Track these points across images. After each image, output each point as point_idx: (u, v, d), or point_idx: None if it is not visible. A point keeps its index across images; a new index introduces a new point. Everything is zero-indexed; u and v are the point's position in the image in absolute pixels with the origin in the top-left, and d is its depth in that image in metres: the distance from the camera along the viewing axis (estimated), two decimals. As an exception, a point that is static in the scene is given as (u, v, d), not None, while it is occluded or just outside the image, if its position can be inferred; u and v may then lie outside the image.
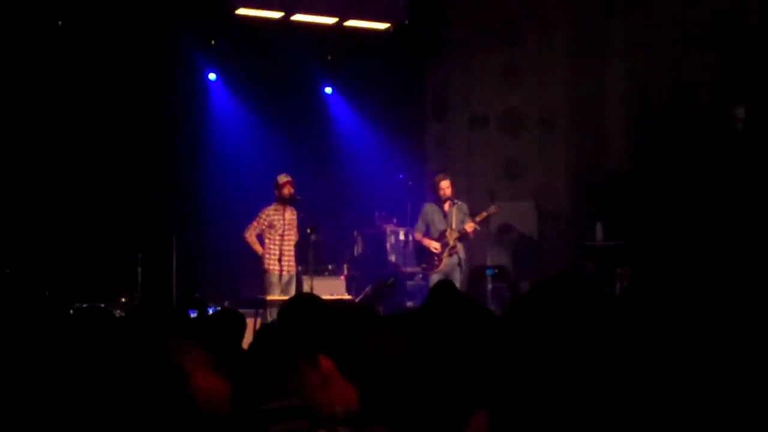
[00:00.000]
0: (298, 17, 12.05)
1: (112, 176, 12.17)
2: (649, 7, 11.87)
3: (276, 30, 12.30)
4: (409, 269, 11.85)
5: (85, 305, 10.13)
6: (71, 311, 9.68)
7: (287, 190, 10.42)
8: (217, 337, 4.68)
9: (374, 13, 12.32)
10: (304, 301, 4.23)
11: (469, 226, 10.39)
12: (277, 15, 11.97)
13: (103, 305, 9.87)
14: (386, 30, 12.55)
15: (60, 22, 11.73)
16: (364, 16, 12.31)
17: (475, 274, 10.46)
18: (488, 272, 10.27)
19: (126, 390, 2.77)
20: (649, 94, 11.85)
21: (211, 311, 9.56)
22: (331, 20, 12.24)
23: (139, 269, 11.12)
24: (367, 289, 11.30)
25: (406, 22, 12.39)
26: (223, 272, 12.37)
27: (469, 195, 12.13)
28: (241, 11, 11.76)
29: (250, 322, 5.90)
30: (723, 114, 9.96)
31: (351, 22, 12.32)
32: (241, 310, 6.10)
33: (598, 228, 11.41)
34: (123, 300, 10.92)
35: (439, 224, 10.54)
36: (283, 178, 10.48)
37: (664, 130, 11.44)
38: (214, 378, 2.91)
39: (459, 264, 10.45)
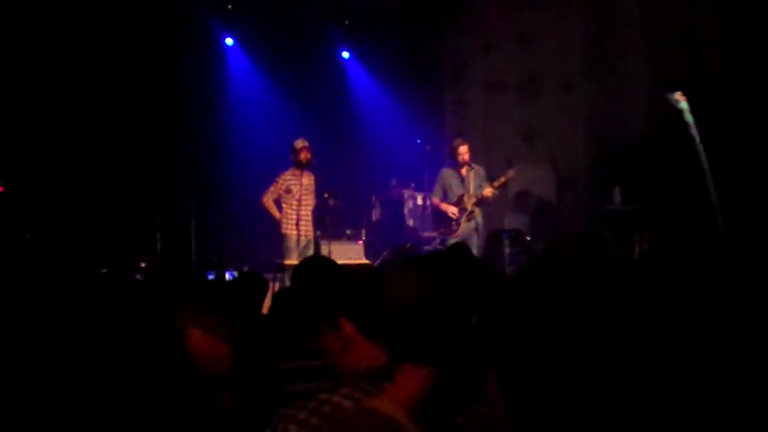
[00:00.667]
0: None
1: (130, 142, 12.21)
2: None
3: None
4: (426, 234, 11.86)
5: (105, 270, 10.21)
6: (91, 275, 9.76)
7: (304, 155, 10.41)
8: (239, 300, 4.73)
9: None
10: (316, 264, 4.25)
11: (488, 191, 10.37)
12: None
13: (123, 269, 9.95)
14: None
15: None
16: None
17: (491, 237, 10.44)
18: (504, 235, 10.26)
19: (126, 350, 2.81)
20: (669, 53, 11.74)
21: (228, 275, 9.61)
22: None
23: (159, 234, 11.18)
24: (385, 253, 11.31)
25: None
26: (242, 237, 12.42)
27: (487, 160, 12.10)
28: None
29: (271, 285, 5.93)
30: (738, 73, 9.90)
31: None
32: (265, 275, 6.13)
33: (617, 192, 11.36)
34: (143, 265, 10.99)
35: (456, 189, 10.52)
36: (300, 143, 10.47)
37: (685, 92, 11.34)
38: (213, 339, 2.93)
39: (476, 229, 10.45)
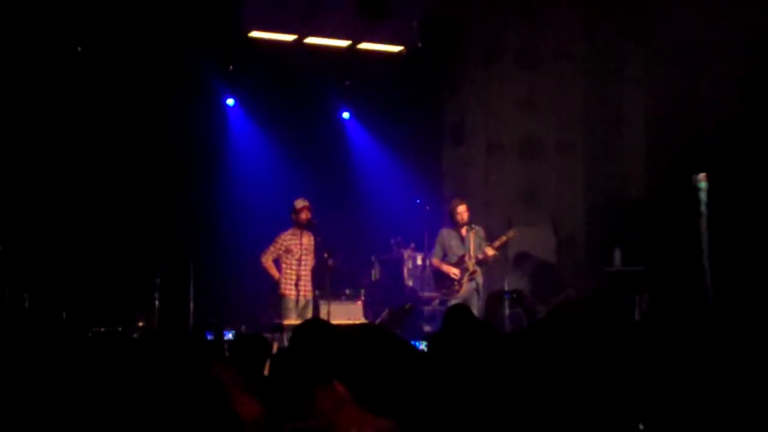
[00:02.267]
0: (311, 40, 12.13)
1: (129, 201, 12.22)
2: (665, 32, 11.87)
3: (293, 55, 12.38)
4: (426, 294, 11.83)
5: (103, 329, 10.15)
6: (89, 335, 9.72)
7: (304, 215, 10.40)
8: (242, 361, 4.70)
9: (387, 36, 12.40)
10: (314, 327, 4.22)
11: (489, 251, 10.35)
12: (290, 38, 12.06)
13: (120, 329, 9.90)
14: (399, 53, 12.60)
15: (79, 48, 11.81)
16: (377, 39, 12.40)
17: (492, 298, 10.40)
18: (506, 296, 10.22)
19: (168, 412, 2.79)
20: (667, 118, 11.82)
21: (227, 335, 9.55)
22: (344, 43, 12.32)
23: (157, 294, 11.14)
24: (384, 313, 11.25)
25: (420, 45, 12.43)
26: (240, 297, 12.37)
27: (487, 220, 12.10)
28: (255, 34, 11.87)
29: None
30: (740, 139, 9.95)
31: (364, 45, 12.38)
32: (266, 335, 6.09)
33: (617, 253, 11.36)
34: (140, 324, 10.94)
35: (456, 249, 10.50)
36: (300, 203, 10.46)
37: (683, 155, 11.40)
38: (252, 400, 2.92)
39: (477, 289, 10.41)
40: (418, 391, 2.96)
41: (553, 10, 12.95)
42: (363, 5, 11.84)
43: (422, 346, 9.02)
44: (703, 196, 7.66)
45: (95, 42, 11.90)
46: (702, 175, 7.69)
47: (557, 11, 12.95)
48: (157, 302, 11.16)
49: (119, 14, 11.50)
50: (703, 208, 7.58)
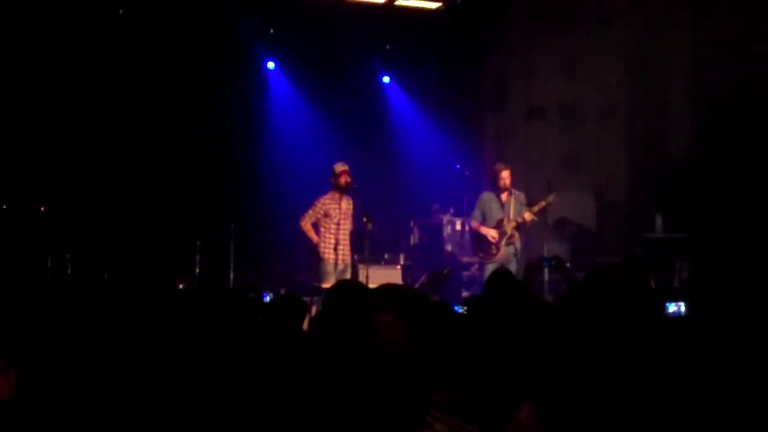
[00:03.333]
0: None
1: (172, 164, 12.30)
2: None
3: (334, 18, 12.34)
4: (465, 259, 11.80)
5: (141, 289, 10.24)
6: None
7: (344, 179, 10.38)
8: (279, 321, 4.72)
9: None
10: (347, 288, 4.21)
11: (527, 215, 10.29)
12: None
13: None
14: (437, 9, 12.49)
15: (121, 11, 11.85)
16: None
17: (531, 265, 10.36)
18: (545, 263, 10.17)
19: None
20: (714, 81, 11.63)
21: (265, 297, 9.60)
22: None
23: (197, 256, 11.20)
24: (423, 278, 11.26)
25: (458, 1, 12.30)
26: (280, 260, 12.43)
27: (528, 186, 12.02)
28: None
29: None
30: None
31: (401, 1, 12.29)
32: (305, 299, 6.10)
33: (658, 219, 11.24)
34: (180, 286, 11.02)
35: (496, 213, 10.45)
36: (340, 167, 10.44)
37: (729, 120, 11.23)
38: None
39: (515, 254, 10.36)
40: (457, 352, 2.95)
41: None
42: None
43: (462, 310, 9.02)
44: None
45: (137, 5, 11.93)
46: None
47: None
48: (197, 264, 11.23)
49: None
50: None
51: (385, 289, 4.09)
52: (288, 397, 3.25)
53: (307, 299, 9.31)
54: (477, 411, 2.62)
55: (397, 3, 12.32)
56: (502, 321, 4.31)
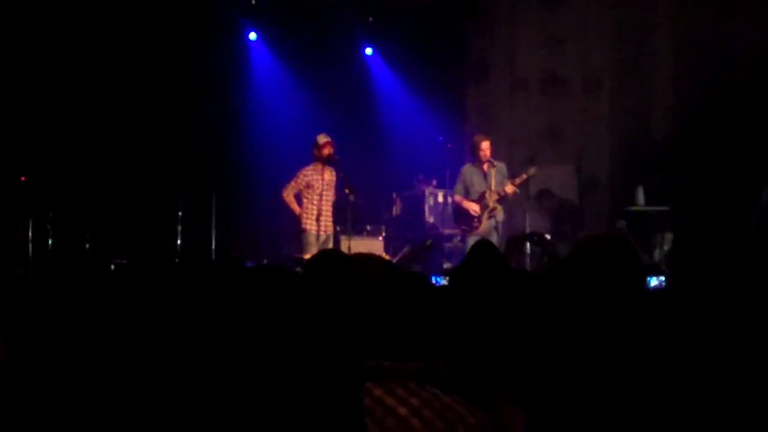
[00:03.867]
0: None
1: (152, 135, 12.24)
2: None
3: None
4: (447, 231, 11.83)
5: (125, 261, 10.23)
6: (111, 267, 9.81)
7: (327, 151, 10.39)
8: (260, 292, 4.71)
9: None
10: (328, 257, 4.20)
11: (509, 188, 10.33)
12: None
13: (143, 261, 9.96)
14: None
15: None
16: None
17: (513, 240, 10.40)
18: (526, 237, 10.23)
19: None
20: (697, 56, 11.66)
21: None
22: None
23: (179, 227, 11.18)
24: (405, 249, 11.28)
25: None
26: (262, 231, 12.43)
27: (510, 158, 12.03)
28: None
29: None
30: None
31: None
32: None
33: (640, 192, 11.29)
34: (162, 255, 11.00)
35: (478, 186, 10.47)
36: (323, 139, 10.45)
37: (711, 95, 11.27)
38: None
39: (496, 227, 10.40)
40: (438, 325, 2.95)
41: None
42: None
43: (443, 281, 9.05)
44: None
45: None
46: None
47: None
48: (179, 235, 11.21)
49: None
50: None
51: (319, 257, 4.11)
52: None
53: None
54: (458, 382, 2.62)
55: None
56: (484, 292, 4.33)
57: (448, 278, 9.03)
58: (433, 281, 8.85)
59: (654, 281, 7.16)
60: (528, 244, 10.04)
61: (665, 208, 10.84)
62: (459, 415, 2.37)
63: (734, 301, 2.96)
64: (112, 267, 9.96)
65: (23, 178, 10.85)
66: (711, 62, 11.43)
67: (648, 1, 12.39)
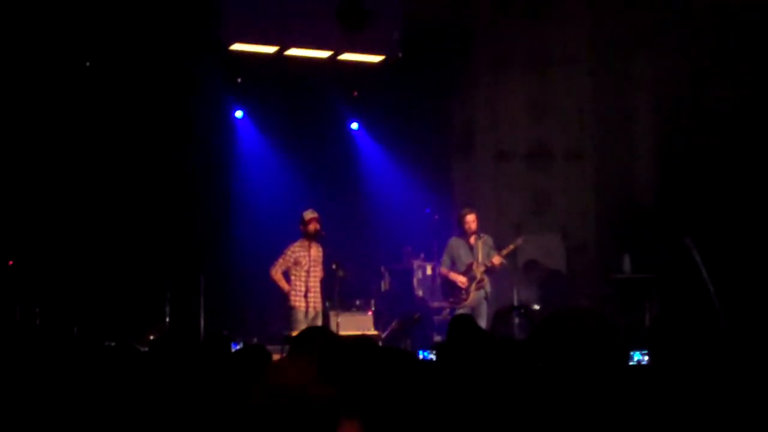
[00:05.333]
0: (292, 52, 12.15)
1: (139, 215, 12.25)
2: (671, 37, 11.86)
3: (302, 66, 12.42)
4: (436, 304, 11.80)
5: (113, 343, 10.16)
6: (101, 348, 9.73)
7: (313, 227, 10.43)
8: (243, 372, 4.71)
9: (367, 46, 12.41)
10: (313, 334, 4.22)
11: (496, 259, 10.38)
12: (271, 50, 12.09)
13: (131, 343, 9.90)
14: (380, 62, 12.63)
15: (87, 63, 11.87)
16: (357, 49, 12.41)
17: (500, 312, 10.40)
18: (514, 311, 10.25)
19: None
20: (676, 122, 11.81)
21: (234, 347, 9.54)
22: (325, 54, 12.34)
23: (167, 308, 11.16)
24: (394, 323, 11.25)
25: (400, 55, 12.45)
26: (251, 309, 12.38)
27: (497, 229, 12.09)
28: (236, 47, 11.89)
29: (277, 357, 5.88)
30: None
31: (345, 56, 12.41)
32: (269, 347, 6.09)
33: (626, 260, 11.34)
34: (151, 338, 10.94)
35: (465, 258, 10.52)
36: (309, 215, 10.49)
37: (693, 159, 11.38)
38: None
39: (486, 297, 10.44)
40: (424, 400, 2.96)
41: (559, 15, 12.95)
42: (343, 15, 11.83)
43: (431, 355, 9.01)
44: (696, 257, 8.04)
45: (103, 57, 11.93)
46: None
47: (564, 17, 12.94)
48: (167, 316, 11.18)
49: (124, 29, 11.55)
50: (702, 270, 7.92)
51: (306, 333, 4.14)
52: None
53: (278, 348, 9.30)
54: None
55: (340, 58, 12.42)
56: (467, 365, 4.34)
57: (435, 353, 9.01)
58: (421, 356, 8.83)
59: (638, 356, 7.05)
60: (516, 317, 10.04)
61: (651, 275, 10.88)
62: None
63: (713, 377, 2.99)
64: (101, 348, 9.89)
65: (11, 262, 10.85)
66: (692, 127, 11.57)
67: (625, 69, 12.58)
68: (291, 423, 2.17)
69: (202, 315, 11.27)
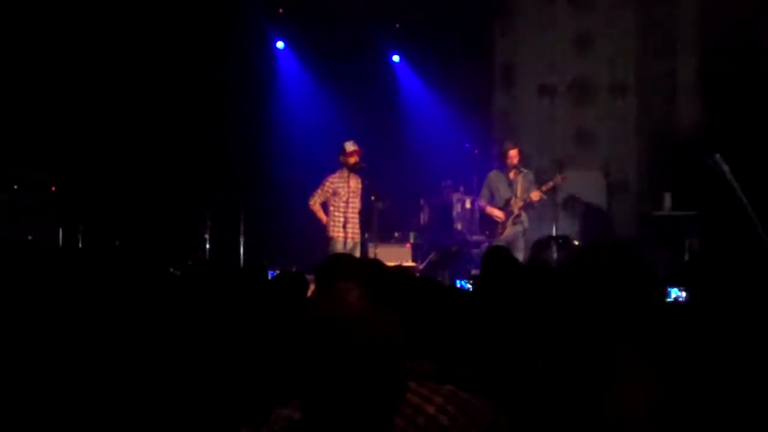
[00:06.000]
0: None
1: (181, 144, 12.34)
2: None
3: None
4: (474, 237, 11.80)
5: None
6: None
7: (353, 159, 10.44)
8: (282, 297, 4.78)
9: None
10: (339, 260, 4.25)
11: (535, 195, 10.34)
12: None
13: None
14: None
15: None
16: None
17: (539, 243, 10.37)
18: (552, 242, 10.20)
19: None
20: (723, 59, 11.59)
21: (271, 275, 9.64)
22: None
23: (207, 236, 11.26)
24: (432, 255, 11.28)
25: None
26: (291, 238, 12.46)
27: (537, 164, 12.02)
28: None
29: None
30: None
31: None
32: (308, 276, 6.13)
33: (667, 198, 11.23)
34: (190, 263, 11.07)
35: (504, 192, 10.49)
36: (350, 147, 10.49)
37: (738, 97, 11.20)
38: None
39: (523, 233, 10.43)
40: (460, 330, 2.98)
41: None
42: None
43: (468, 285, 9.05)
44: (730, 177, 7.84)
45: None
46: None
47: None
48: (207, 244, 11.29)
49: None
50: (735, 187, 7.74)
51: (346, 259, 4.15)
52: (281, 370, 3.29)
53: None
54: (469, 383, 2.64)
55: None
56: (501, 295, 4.36)
57: (472, 284, 9.05)
58: (458, 285, 8.87)
59: (675, 293, 6.98)
60: (554, 247, 10.01)
61: (693, 213, 10.77)
62: (478, 410, 2.44)
63: (753, 315, 2.96)
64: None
65: (53, 188, 10.97)
66: (738, 61, 11.36)
67: (671, 1, 12.35)
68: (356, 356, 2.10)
69: (241, 244, 11.37)
